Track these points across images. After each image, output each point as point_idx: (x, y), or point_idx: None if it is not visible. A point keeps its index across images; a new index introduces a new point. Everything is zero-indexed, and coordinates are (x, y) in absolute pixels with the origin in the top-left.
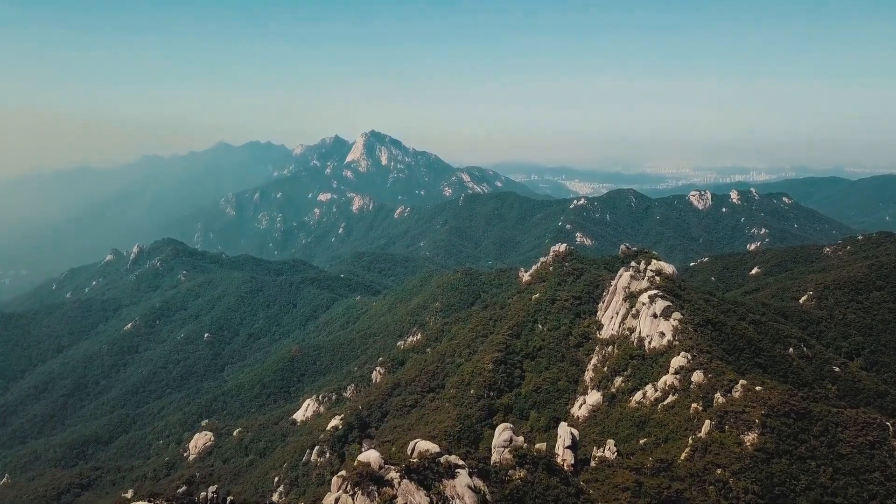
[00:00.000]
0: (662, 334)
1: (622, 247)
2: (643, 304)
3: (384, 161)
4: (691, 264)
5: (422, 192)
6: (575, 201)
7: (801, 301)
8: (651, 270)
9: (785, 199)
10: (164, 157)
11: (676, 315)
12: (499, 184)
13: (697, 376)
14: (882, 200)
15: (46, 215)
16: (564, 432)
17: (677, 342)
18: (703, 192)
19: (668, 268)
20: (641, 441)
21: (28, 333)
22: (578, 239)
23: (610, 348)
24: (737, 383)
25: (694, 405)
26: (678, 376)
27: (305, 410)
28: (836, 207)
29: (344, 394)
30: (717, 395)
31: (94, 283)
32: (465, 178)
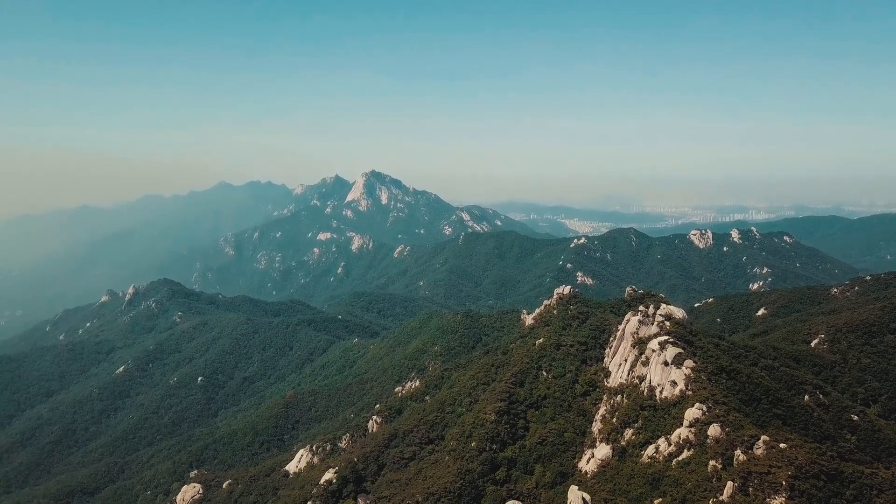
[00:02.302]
0: (674, 383)
1: (628, 289)
2: (653, 350)
3: (384, 200)
4: (696, 305)
5: (422, 231)
6: (575, 240)
7: (812, 344)
8: (660, 315)
9: (786, 237)
10: (164, 197)
11: (689, 363)
12: (499, 223)
13: (714, 430)
14: (883, 239)
15: (46, 255)
16: (575, 497)
17: (690, 392)
18: (703, 231)
19: (678, 312)
20: (656, 502)
21: (18, 377)
22: (579, 278)
23: (619, 398)
24: (758, 439)
25: (712, 462)
26: (693, 429)
27: (298, 461)
28: (838, 246)
29: (339, 444)
30: (738, 452)
31: (88, 324)
32: (465, 217)
